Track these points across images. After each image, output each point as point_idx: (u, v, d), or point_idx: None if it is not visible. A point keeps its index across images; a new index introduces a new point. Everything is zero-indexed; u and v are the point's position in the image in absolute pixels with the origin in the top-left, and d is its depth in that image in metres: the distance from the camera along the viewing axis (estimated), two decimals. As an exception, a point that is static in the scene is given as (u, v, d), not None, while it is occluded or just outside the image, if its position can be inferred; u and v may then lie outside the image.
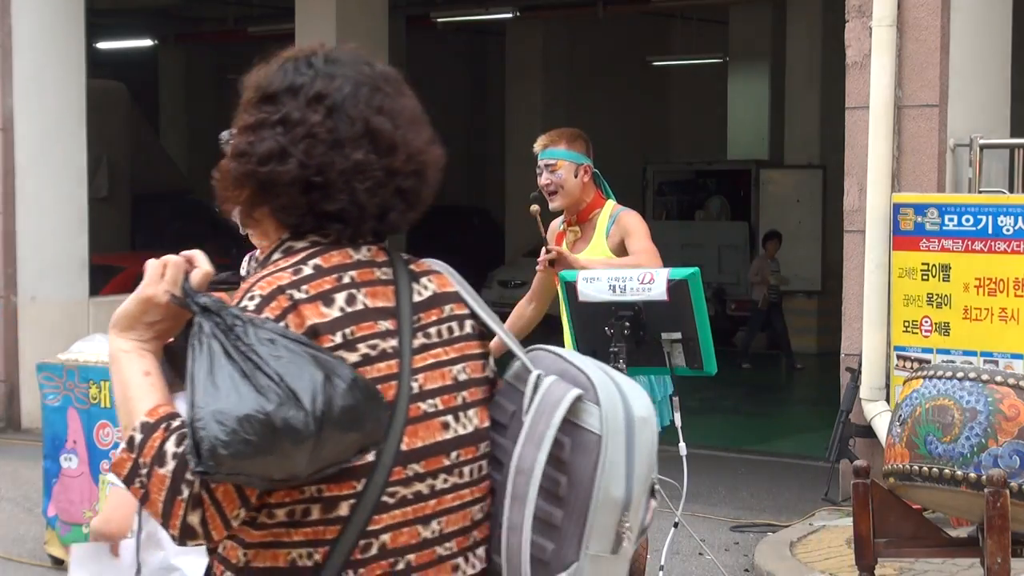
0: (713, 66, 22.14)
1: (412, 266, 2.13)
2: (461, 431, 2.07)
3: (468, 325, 2.13)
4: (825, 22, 17.96)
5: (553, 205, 5.89)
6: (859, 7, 8.34)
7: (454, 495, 2.06)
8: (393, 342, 2.03)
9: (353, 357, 1.99)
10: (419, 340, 2.06)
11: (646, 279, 4.77)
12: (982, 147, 8.19)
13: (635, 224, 5.73)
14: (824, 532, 7.72)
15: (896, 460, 4.92)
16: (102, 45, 21.85)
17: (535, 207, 5.81)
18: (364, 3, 13.72)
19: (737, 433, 12.47)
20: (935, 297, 7.69)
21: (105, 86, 18.16)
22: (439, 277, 2.15)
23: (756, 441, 12.00)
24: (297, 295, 2.00)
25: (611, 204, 5.90)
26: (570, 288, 4.93)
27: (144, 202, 19.49)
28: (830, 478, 8.52)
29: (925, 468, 4.81)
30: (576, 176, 5.82)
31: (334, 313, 2.00)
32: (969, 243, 7.55)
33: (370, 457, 1.98)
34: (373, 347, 2.01)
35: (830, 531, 7.72)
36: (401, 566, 2.02)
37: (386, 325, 2.03)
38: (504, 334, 2.13)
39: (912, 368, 7.42)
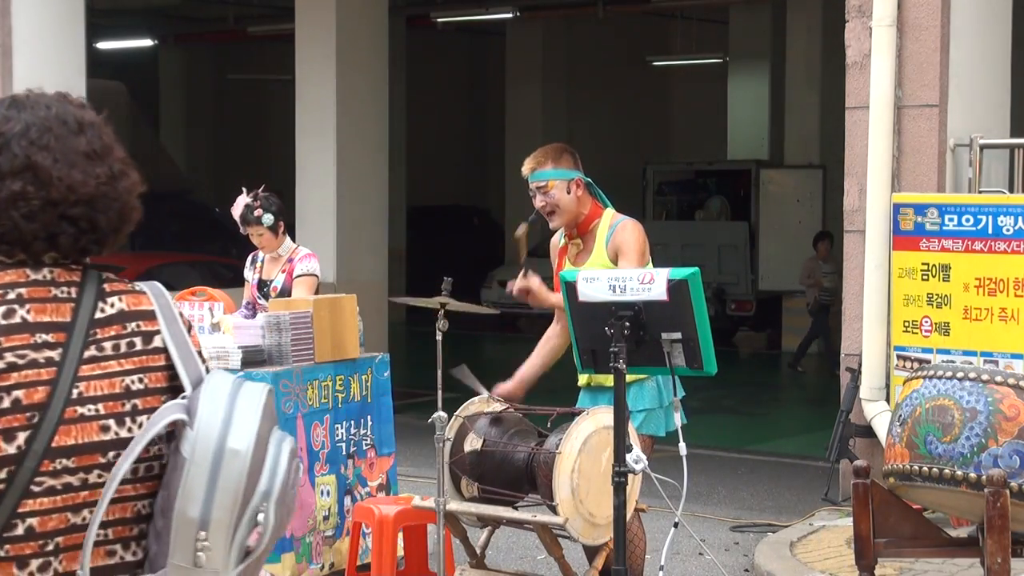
0: (713, 66, 22.14)
1: (106, 286, 2.38)
2: (124, 434, 2.32)
3: (157, 340, 2.38)
4: (825, 22, 17.96)
5: (553, 224, 5.88)
6: (859, 7, 8.34)
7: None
8: (50, 353, 2.29)
9: None
10: (90, 352, 2.32)
11: (646, 279, 4.77)
12: (982, 147, 8.19)
13: (629, 241, 5.73)
14: (824, 532, 7.72)
15: (896, 460, 4.92)
16: (102, 45, 21.84)
17: (520, 231, 5.87)
18: (364, 3, 13.70)
19: (737, 433, 12.48)
20: (935, 297, 7.69)
21: (105, 86, 18.16)
22: (134, 296, 2.40)
23: (756, 441, 12.01)
24: None
25: (610, 213, 5.88)
26: (570, 288, 4.93)
27: (144, 202, 19.40)
28: (830, 478, 8.52)
29: (925, 468, 4.81)
30: (569, 192, 5.80)
31: None
32: (969, 243, 7.55)
33: (12, 450, 2.24)
34: (22, 356, 2.27)
35: (830, 531, 7.72)
36: (50, 547, 2.27)
37: (45, 337, 2.30)
38: (178, 355, 2.36)
39: (912, 368, 7.42)
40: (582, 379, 5.92)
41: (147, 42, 24.18)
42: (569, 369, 5.87)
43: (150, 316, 2.38)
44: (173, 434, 2.31)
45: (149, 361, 2.36)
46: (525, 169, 5.86)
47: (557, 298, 5.75)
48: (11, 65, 10.80)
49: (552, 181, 5.78)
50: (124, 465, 2.26)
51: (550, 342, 6.13)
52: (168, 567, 2.26)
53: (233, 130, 27.59)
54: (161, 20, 23.66)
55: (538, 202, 5.83)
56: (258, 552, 2.29)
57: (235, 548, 2.26)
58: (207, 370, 2.39)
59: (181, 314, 2.43)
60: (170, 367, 2.37)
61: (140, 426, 2.32)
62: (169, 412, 2.28)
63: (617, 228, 5.77)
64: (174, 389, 2.37)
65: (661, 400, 5.78)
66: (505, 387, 5.95)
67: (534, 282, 5.83)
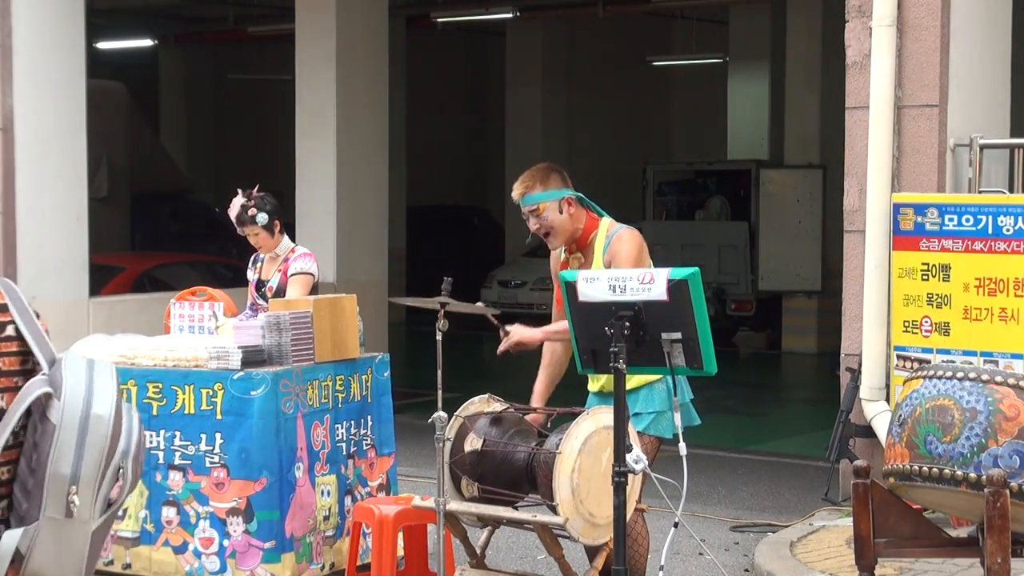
0: (713, 66, 22.14)
1: None
2: None
3: (9, 329, 2.72)
4: (825, 22, 17.96)
5: (552, 245, 5.89)
6: (859, 7, 8.34)
7: None
8: None
9: None
10: None
11: (646, 279, 4.77)
12: (982, 147, 8.19)
13: (621, 253, 5.71)
14: (824, 532, 7.72)
15: (896, 460, 4.92)
16: (102, 45, 21.83)
17: (494, 314, 5.88)
18: (364, 3, 13.71)
19: (737, 433, 12.48)
20: (935, 297, 7.69)
21: (105, 86, 18.15)
22: None
23: (756, 441, 12.00)
24: None
25: (606, 223, 5.86)
26: (570, 288, 4.93)
27: (144, 202, 19.49)
28: (830, 478, 8.52)
29: (925, 468, 4.81)
30: (561, 212, 5.79)
31: None
32: (969, 243, 7.55)
33: None
34: None
35: (830, 531, 7.72)
36: None
37: None
38: (33, 340, 2.70)
39: (912, 368, 7.42)
40: (593, 384, 5.92)
41: (147, 42, 24.17)
42: (569, 369, 5.87)
43: (3, 309, 2.72)
44: (30, 410, 2.64)
45: (4, 347, 2.70)
46: (515, 194, 5.86)
47: (548, 327, 5.84)
48: (11, 65, 10.79)
49: (543, 203, 5.77)
50: (5, 434, 2.60)
51: (555, 354, 6.08)
52: (41, 519, 2.59)
53: (233, 130, 27.58)
54: (161, 20, 23.66)
55: (532, 225, 5.83)
56: (120, 502, 2.67)
57: (100, 500, 2.64)
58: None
59: (29, 304, 2.76)
60: (22, 352, 2.71)
61: None
62: (36, 387, 2.62)
63: (613, 239, 5.76)
64: (26, 372, 2.69)
65: (671, 403, 5.77)
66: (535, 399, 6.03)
67: (516, 331, 5.85)
